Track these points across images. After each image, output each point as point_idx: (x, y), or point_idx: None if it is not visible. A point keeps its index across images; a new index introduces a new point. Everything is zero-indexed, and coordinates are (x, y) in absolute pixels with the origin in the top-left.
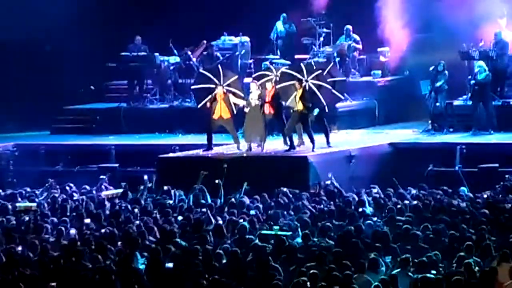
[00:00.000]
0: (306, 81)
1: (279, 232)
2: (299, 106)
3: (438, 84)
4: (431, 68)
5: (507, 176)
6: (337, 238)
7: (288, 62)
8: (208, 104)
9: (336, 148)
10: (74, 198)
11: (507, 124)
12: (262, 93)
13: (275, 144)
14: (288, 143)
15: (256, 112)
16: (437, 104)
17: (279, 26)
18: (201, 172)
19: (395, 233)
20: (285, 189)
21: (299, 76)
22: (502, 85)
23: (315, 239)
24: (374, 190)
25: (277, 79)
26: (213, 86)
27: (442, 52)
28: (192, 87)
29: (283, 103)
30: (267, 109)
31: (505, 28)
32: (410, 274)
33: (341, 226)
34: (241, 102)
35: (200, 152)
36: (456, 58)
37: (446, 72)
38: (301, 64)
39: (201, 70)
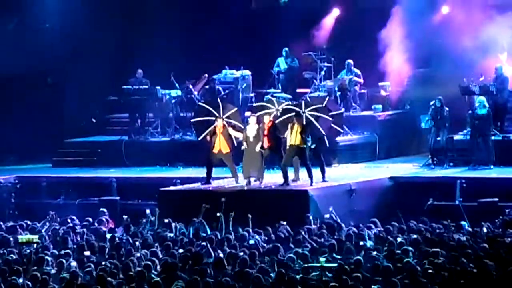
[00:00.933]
0: (303, 112)
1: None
2: (297, 141)
3: (439, 121)
4: (431, 103)
5: (507, 210)
6: (335, 271)
7: (289, 96)
8: (208, 138)
9: (337, 182)
10: (76, 230)
11: (507, 158)
12: (261, 127)
13: (275, 178)
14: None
15: (254, 146)
16: (438, 138)
17: (281, 60)
18: (203, 205)
19: (395, 267)
20: (284, 223)
21: (296, 109)
22: (502, 119)
23: (315, 273)
24: (375, 224)
25: (278, 113)
26: (212, 118)
27: (442, 86)
28: (192, 120)
29: (282, 136)
30: (265, 142)
31: (505, 62)
32: None
33: (341, 260)
34: (241, 136)
35: (199, 185)
36: (456, 93)
37: (446, 108)
38: (302, 101)
39: (200, 103)
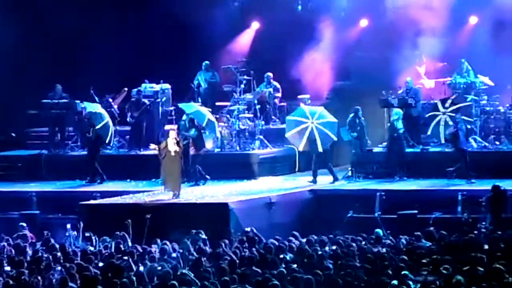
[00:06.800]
0: (312, 123)
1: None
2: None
3: (354, 133)
4: (351, 116)
5: (431, 227)
6: (255, 284)
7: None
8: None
9: (257, 195)
10: None
11: (425, 171)
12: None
13: (194, 191)
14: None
15: (173, 159)
16: (354, 151)
17: (201, 77)
18: (127, 221)
19: (316, 279)
20: (204, 236)
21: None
22: (419, 132)
23: (235, 286)
24: (295, 237)
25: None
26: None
27: (362, 99)
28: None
29: None
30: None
31: (423, 75)
32: None
33: (261, 273)
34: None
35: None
36: (376, 105)
37: (363, 118)
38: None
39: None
